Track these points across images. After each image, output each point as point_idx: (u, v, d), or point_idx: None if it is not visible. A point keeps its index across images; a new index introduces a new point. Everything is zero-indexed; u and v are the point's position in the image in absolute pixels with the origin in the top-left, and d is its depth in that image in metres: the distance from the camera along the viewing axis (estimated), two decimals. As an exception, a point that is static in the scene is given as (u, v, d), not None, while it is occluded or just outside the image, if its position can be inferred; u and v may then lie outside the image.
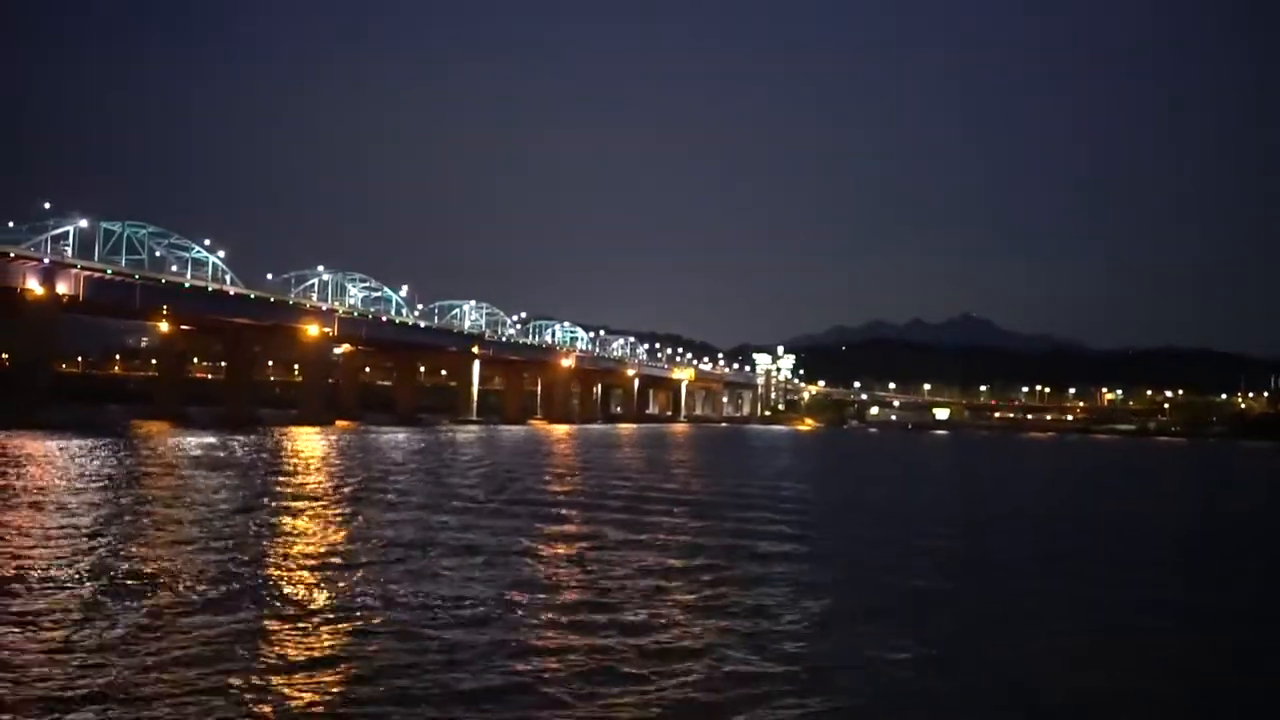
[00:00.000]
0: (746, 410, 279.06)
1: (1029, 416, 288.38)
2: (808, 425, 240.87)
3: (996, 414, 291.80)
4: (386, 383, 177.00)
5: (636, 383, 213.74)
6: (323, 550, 25.28)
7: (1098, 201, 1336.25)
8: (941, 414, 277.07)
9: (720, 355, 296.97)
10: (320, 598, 19.47)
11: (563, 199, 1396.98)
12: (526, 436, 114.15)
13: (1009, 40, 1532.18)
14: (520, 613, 18.65)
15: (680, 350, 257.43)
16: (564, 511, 35.95)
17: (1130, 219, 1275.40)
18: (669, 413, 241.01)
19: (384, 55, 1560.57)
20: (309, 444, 76.51)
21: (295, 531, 28.66)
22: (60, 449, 56.65)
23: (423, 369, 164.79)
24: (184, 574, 20.99)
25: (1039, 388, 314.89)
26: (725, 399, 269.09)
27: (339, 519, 31.75)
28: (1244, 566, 29.84)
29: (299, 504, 35.29)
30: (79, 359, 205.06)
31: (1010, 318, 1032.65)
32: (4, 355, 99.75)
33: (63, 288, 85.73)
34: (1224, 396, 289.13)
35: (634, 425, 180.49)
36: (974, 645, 17.95)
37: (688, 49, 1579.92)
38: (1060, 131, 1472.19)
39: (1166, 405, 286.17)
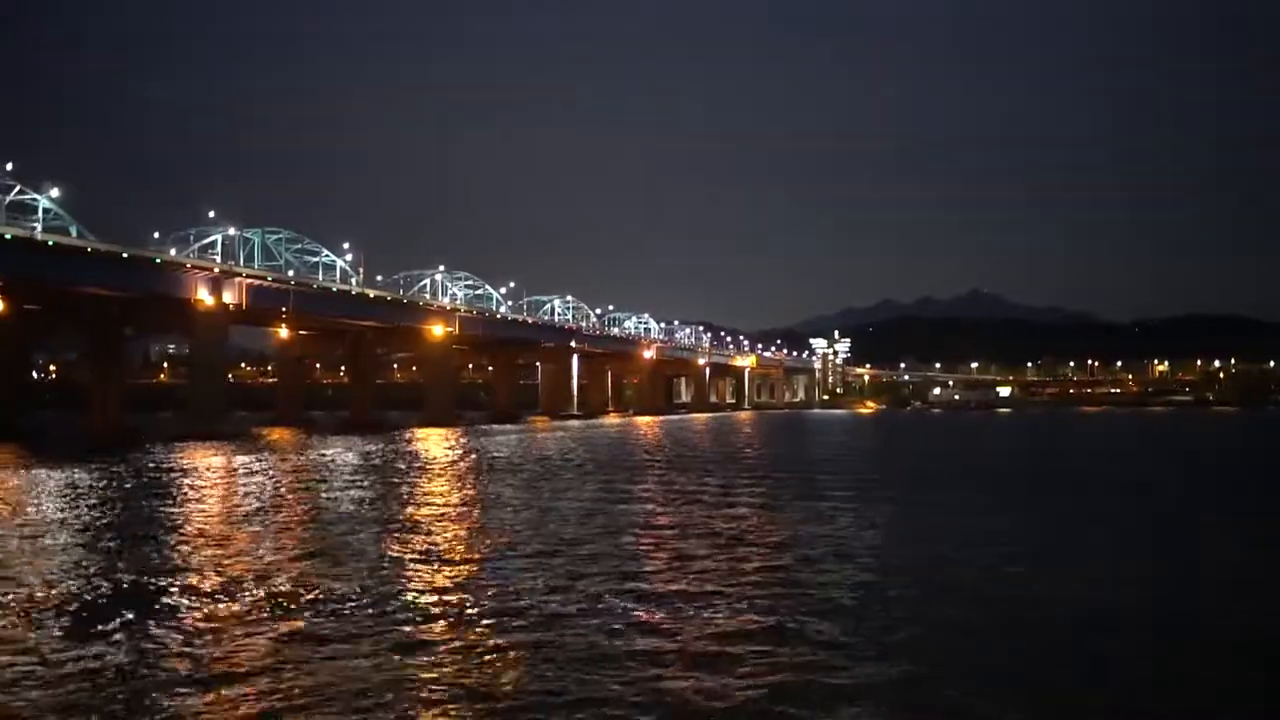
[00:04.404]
0: (802, 395, 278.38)
1: (1086, 390, 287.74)
2: (870, 408, 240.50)
3: (1049, 390, 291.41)
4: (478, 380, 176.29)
5: (707, 371, 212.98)
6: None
7: (1096, 174, 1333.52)
8: (1003, 391, 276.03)
9: (778, 341, 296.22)
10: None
11: (577, 195, 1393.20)
12: (628, 429, 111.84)
13: (1010, 16, 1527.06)
14: None
15: (739, 337, 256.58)
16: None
17: (1131, 189, 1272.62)
18: (730, 400, 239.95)
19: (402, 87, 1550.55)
20: (473, 444, 75.16)
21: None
22: (276, 464, 55.57)
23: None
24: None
25: (1089, 361, 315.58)
26: (783, 385, 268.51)
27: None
28: None
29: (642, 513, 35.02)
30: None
31: (1016, 291, 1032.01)
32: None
33: (228, 297, 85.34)
34: (1272, 364, 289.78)
35: (705, 414, 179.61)
36: None
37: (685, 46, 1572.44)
38: (1063, 104, 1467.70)
39: (1222, 375, 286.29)
